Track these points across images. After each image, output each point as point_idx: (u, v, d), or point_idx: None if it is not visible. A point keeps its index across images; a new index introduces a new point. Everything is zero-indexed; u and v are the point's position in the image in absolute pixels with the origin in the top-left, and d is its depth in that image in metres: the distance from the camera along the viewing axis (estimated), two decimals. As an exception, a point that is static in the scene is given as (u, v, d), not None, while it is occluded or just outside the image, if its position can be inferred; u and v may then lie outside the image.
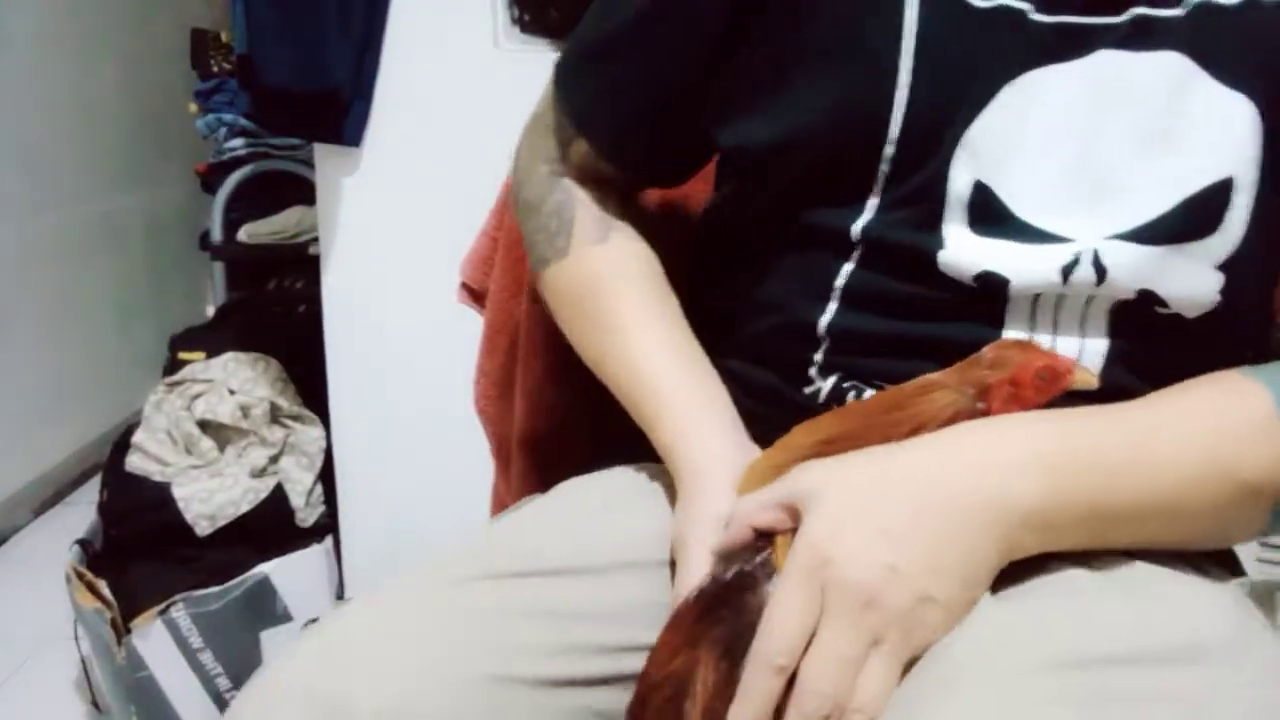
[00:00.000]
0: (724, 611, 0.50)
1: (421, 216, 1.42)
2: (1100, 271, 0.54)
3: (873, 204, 0.57)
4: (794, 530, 0.50)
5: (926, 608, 0.46)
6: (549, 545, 0.59)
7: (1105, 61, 0.54)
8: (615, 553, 0.59)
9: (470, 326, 0.89)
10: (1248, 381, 0.52)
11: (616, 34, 0.66)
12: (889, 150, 0.56)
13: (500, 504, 0.87)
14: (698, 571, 0.53)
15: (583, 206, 0.69)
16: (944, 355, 0.56)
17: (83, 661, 1.47)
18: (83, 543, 1.49)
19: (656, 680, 0.51)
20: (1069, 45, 0.55)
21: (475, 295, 0.88)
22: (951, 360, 0.55)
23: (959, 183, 0.55)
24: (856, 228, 0.58)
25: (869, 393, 0.58)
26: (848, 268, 0.59)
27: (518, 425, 0.83)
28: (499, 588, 0.56)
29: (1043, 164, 0.55)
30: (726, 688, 0.49)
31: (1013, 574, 0.51)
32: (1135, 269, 0.54)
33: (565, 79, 0.69)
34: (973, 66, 0.55)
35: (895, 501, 0.48)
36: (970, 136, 0.55)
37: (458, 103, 1.39)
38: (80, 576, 1.40)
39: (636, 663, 0.53)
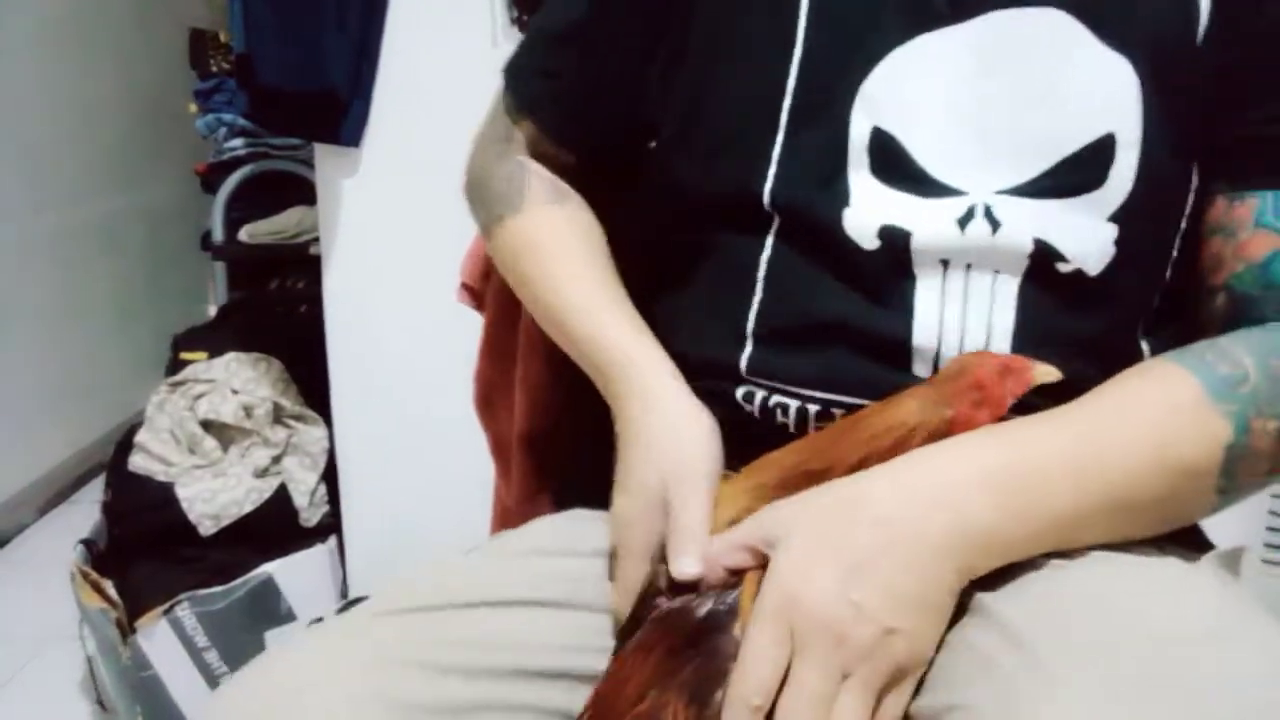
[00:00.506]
0: (692, 652, 0.51)
1: (422, 216, 1.42)
2: (994, 223, 0.56)
3: (777, 155, 0.60)
4: (763, 568, 0.51)
5: (892, 639, 0.48)
6: (466, 583, 0.60)
7: (991, 21, 0.58)
8: (525, 591, 0.60)
9: (471, 326, 0.89)
10: (1174, 367, 0.54)
11: (561, 25, 0.71)
12: (788, 101, 0.60)
13: (501, 503, 0.87)
14: (698, 520, 0.55)
15: (535, 175, 0.72)
16: (864, 345, 0.58)
17: (88, 661, 1.47)
18: (87, 542, 1.49)
19: None
20: (958, 10, 0.58)
21: (475, 295, 0.89)
22: (875, 355, 0.58)
23: (859, 129, 0.59)
24: (766, 190, 0.60)
25: (795, 406, 0.59)
26: (766, 255, 0.61)
27: (518, 424, 0.84)
28: (418, 620, 0.57)
29: (935, 119, 0.58)
30: None
31: (1002, 578, 0.52)
32: (1027, 221, 0.56)
33: (513, 69, 0.74)
34: (865, 28, 0.59)
35: (856, 538, 0.50)
36: (866, 89, 0.59)
37: (457, 102, 1.38)
38: (85, 576, 1.41)
39: (554, 692, 0.55)
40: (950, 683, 0.49)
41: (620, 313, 0.65)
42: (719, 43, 0.63)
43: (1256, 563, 1.39)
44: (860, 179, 0.59)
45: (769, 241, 0.61)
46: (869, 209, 0.58)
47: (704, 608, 0.52)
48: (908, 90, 0.58)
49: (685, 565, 0.53)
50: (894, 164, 0.58)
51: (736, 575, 0.52)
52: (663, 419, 0.60)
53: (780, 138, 0.60)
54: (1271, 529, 1.40)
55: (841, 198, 0.59)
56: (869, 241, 0.58)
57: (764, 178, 0.60)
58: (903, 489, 0.51)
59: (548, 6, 0.73)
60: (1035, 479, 0.51)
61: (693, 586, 0.53)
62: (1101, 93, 0.57)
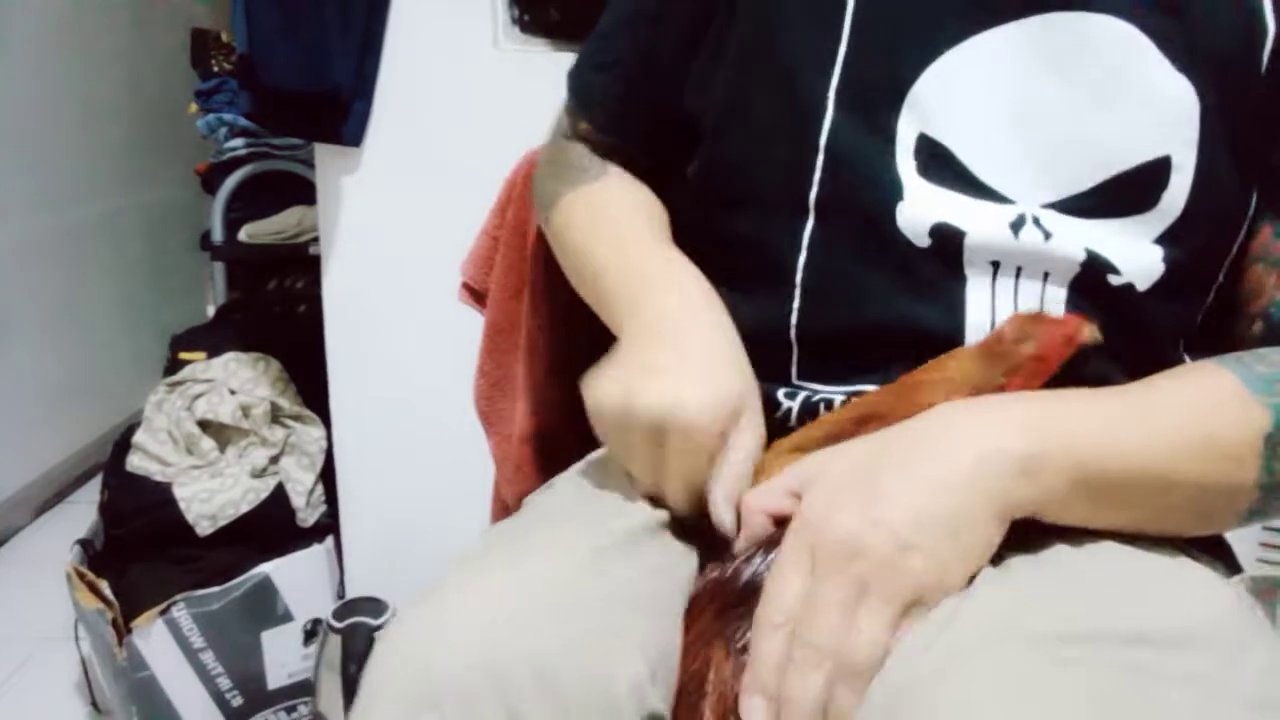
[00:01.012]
0: (740, 610, 0.51)
1: (422, 216, 1.42)
2: (1045, 232, 0.56)
3: (822, 161, 0.59)
4: None
5: (910, 555, 0.47)
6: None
7: (1054, 21, 0.56)
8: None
9: (471, 326, 0.89)
10: (1214, 366, 0.54)
11: (610, 21, 0.73)
12: (830, 105, 0.58)
13: (500, 503, 0.87)
14: (752, 459, 0.55)
15: (612, 163, 0.73)
16: (915, 343, 0.57)
17: (83, 662, 1.47)
18: (83, 543, 1.49)
19: (683, 684, 0.51)
20: (1020, 6, 0.56)
21: (476, 295, 0.88)
22: (926, 354, 0.56)
23: (905, 136, 0.58)
24: (814, 186, 0.59)
25: (840, 397, 0.59)
26: (802, 258, 0.60)
27: (519, 424, 0.84)
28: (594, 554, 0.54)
29: (986, 123, 0.57)
30: (736, 680, 0.49)
31: (1015, 558, 0.52)
32: (1076, 233, 0.56)
33: (572, 71, 0.75)
34: (918, 25, 0.58)
35: (882, 468, 0.49)
36: (915, 93, 0.57)
37: (458, 102, 1.39)
38: (81, 576, 1.40)
39: None
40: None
41: (680, 259, 0.64)
42: (760, 39, 0.62)
43: (1252, 559, 1.38)
44: (909, 177, 0.58)
45: (805, 240, 0.60)
46: (923, 204, 0.57)
47: (748, 571, 0.52)
48: (959, 93, 0.57)
49: (724, 513, 0.53)
50: (942, 167, 0.57)
51: (779, 526, 0.52)
52: (731, 337, 0.59)
53: (824, 140, 0.59)
54: (1269, 529, 1.40)
55: (895, 191, 0.58)
56: (921, 239, 0.57)
57: (810, 178, 0.59)
58: (937, 428, 0.51)
59: (604, 13, 0.75)
60: (1073, 424, 0.50)
61: (738, 554, 0.54)
62: (1161, 112, 0.55)
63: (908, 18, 0.58)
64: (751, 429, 0.56)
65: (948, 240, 0.57)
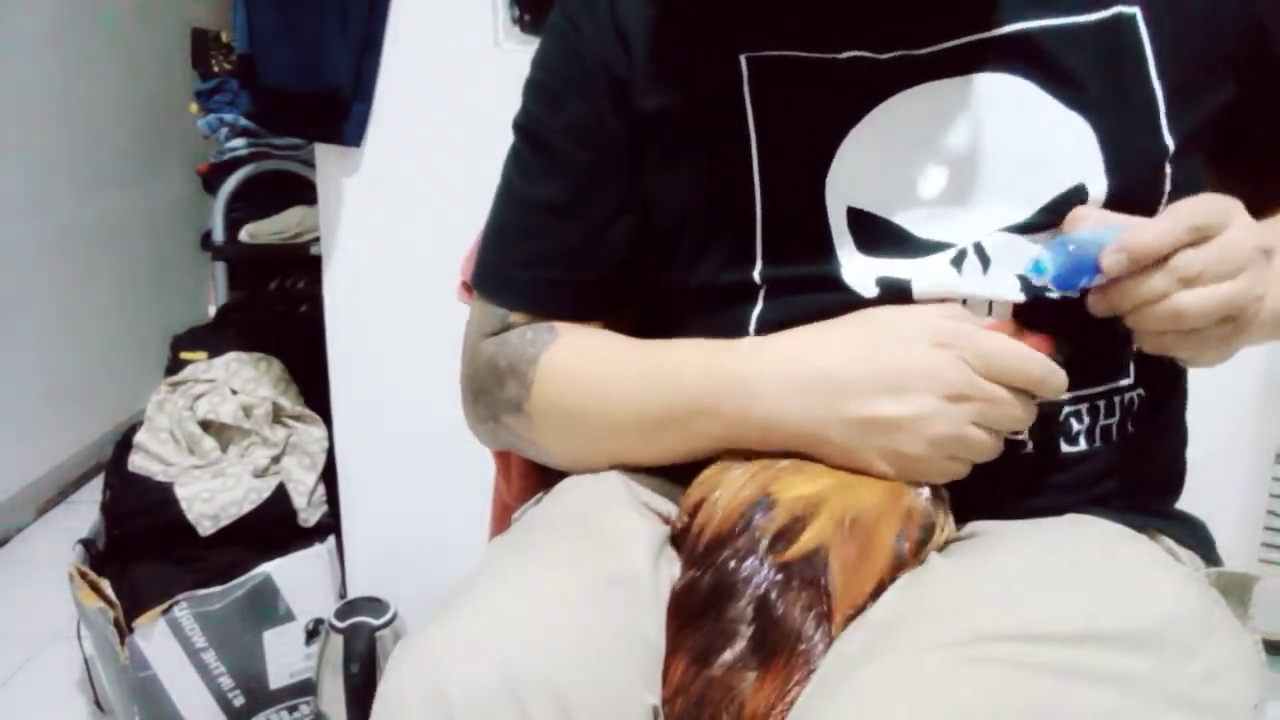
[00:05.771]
0: (697, 623, 0.54)
1: (423, 216, 1.43)
2: (985, 260, 0.58)
3: (761, 250, 0.62)
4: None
5: None
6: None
7: (943, 88, 0.59)
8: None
9: (471, 326, 0.88)
10: None
11: (522, 213, 0.70)
12: (759, 209, 0.61)
13: (501, 503, 0.87)
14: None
15: (547, 323, 0.70)
16: None
17: (86, 661, 1.47)
18: (85, 542, 1.49)
19: (665, 697, 0.53)
20: (904, 78, 0.59)
21: (476, 295, 0.88)
22: None
23: (836, 213, 0.60)
24: (756, 274, 0.62)
25: None
26: (757, 310, 0.63)
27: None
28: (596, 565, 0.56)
29: (908, 186, 0.59)
30: (690, 685, 0.52)
31: (983, 550, 0.54)
32: (1013, 255, 0.58)
33: (488, 269, 0.72)
34: (814, 114, 0.60)
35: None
36: (832, 177, 0.60)
37: (458, 102, 1.39)
38: (83, 576, 1.41)
39: None
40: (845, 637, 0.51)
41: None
42: (680, 171, 0.64)
43: (1254, 561, 1.38)
44: (849, 256, 0.60)
45: (758, 298, 0.63)
46: (863, 271, 0.60)
47: (705, 582, 0.55)
48: (875, 166, 0.60)
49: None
50: (878, 236, 0.60)
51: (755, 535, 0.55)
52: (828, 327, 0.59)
53: (760, 237, 0.61)
54: (1270, 529, 1.41)
55: (834, 267, 0.60)
56: (868, 290, 0.60)
57: (753, 269, 0.62)
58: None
59: (502, 202, 0.72)
60: None
61: (697, 564, 0.56)
62: (1064, 147, 0.58)
63: (804, 111, 0.61)
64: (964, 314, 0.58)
65: (894, 288, 0.59)
